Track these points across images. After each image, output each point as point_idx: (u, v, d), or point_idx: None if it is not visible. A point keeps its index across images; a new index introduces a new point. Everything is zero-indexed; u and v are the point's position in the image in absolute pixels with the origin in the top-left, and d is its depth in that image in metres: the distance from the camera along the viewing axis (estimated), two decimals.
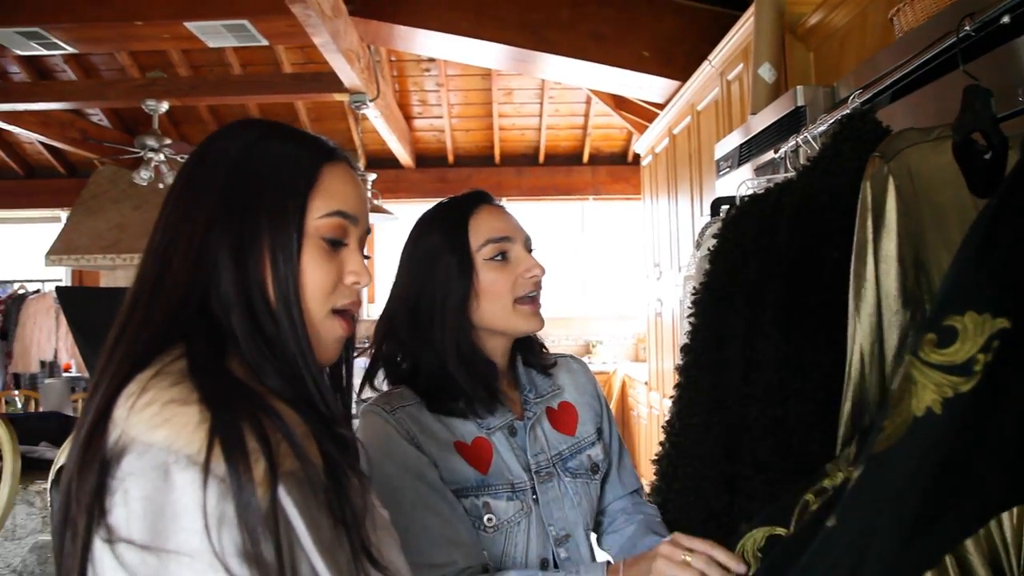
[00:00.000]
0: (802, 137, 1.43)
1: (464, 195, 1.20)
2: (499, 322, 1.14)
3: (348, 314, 0.79)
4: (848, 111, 1.22)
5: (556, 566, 1.11)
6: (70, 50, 4.33)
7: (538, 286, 1.17)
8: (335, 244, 0.77)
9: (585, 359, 6.37)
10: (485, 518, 1.07)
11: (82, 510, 0.62)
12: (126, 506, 0.60)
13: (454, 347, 1.10)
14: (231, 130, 0.79)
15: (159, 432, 0.61)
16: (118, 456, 0.62)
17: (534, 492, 1.12)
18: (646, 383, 4.78)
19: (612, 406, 5.47)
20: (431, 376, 1.12)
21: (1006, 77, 0.99)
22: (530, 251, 1.18)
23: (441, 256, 1.12)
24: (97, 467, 0.62)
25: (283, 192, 0.74)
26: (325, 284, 0.75)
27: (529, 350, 1.25)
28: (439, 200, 1.22)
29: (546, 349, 1.28)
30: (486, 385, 1.11)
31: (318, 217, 0.75)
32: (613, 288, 6.62)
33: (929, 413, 0.65)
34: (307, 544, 0.63)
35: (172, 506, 0.59)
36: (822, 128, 1.33)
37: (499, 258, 1.14)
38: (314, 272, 0.74)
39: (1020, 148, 0.69)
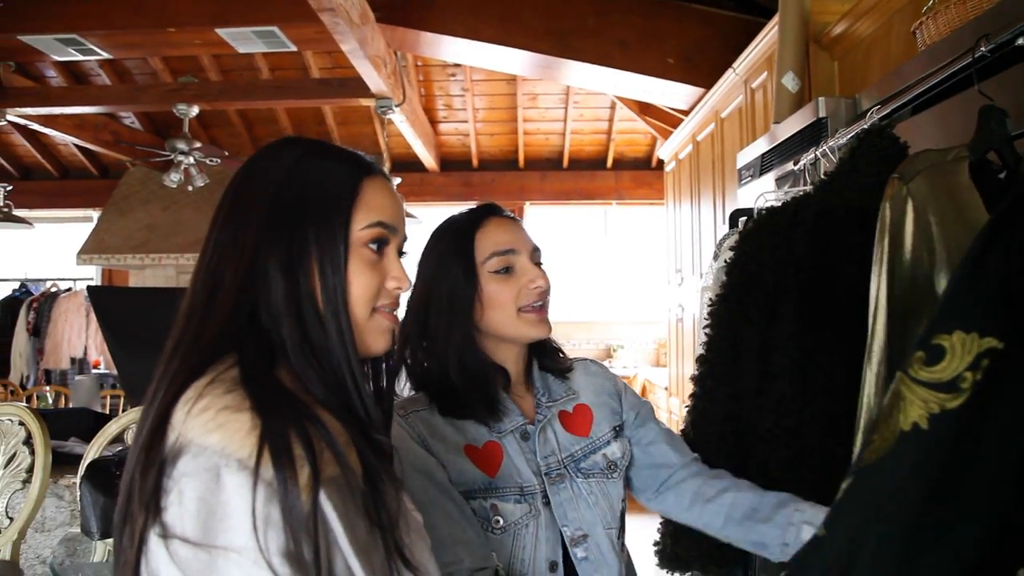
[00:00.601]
0: (820, 150, 1.44)
1: (474, 208, 1.24)
2: (506, 330, 1.18)
3: (388, 309, 0.84)
4: (866, 126, 1.23)
5: (568, 568, 1.13)
6: (105, 55, 4.43)
7: (542, 296, 1.20)
8: (378, 252, 0.83)
9: (606, 363, 6.36)
10: (493, 520, 1.10)
11: (141, 507, 0.67)
12: (180, 505, 0.65)
13: (456, 357, 1.15)
14: (273, 150, 0.84)
15: (213, 436, 0.66)
16: (175, 457, 0.67)
17: (544, 496, 1.14)
18: (666, 388, 4.78)
19: None
20: (438, 382, 1.16)
21: (1022, 96, 1.00)
22: (538, 262, 1.21)
23: (448, 268, 1.16)
24: (156, 467, 0.67)
25: (328, 207, 0.79)
26: (370, 290, 0.81)
27: (545, 354, 1.27)
28: (461, 206, 1.26)
29: (563, 353, 1.30)
30: (485, 396, 1.15)
31: (361, 228, 0.81)
32: (635, 293, 6.62)
33: (916, 428, 0.66)
34: (344, 545, 0.67)
35: (223, 507, 0.64)
36: (840, 142, 1.34)
37: (503, 271, 1.18)
38: (359, 280, 0.80)
39: (1021, 172, 0.70)
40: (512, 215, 1.25)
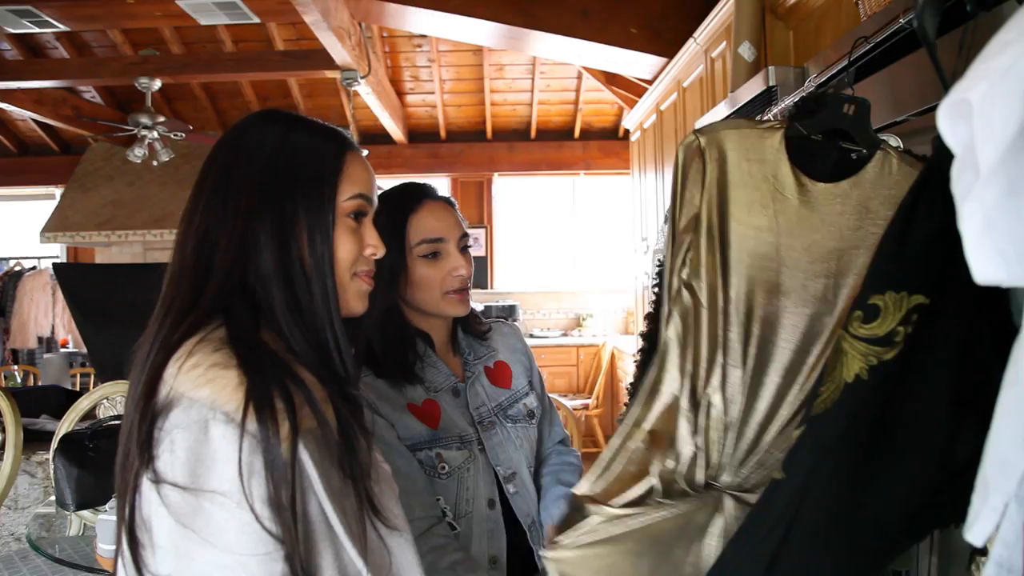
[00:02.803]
0: (766, 117, 1.50)
1: (410, 188, 1.32)
2: (429, 308, 1.30)
3: (365, 274, 0.92)
4: (804, 94, 1.29)
5: (504, 503, 1.28)
6: (62, 28, 4.35)
7: (464, 282, 1.31)
8: (357, 221, 0.90)
9: (575, 332, 6.47)
10: (439, 467, 1.23)
11: (135, 456, 0.74)
12: (172, 454, 0.72)
13: (378, 325, 1.25)
14: (257, 123, 0.89)
15: (203, 390, 0.72)
16: (166, 409, 0.74)
17: (479, 442, 1.29)
18: (634, 356, 4.87)
19: (601, 378, 5.58)
20: (364, 349, 1.25)
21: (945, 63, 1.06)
22: (465, 247, 1.32)
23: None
24: (149, 419, 0.74)
25: (318, 180, 0.86)
26: (351, 255, 0.88)
27: (465, 321, 1.41)
28: (429, 178, 1.33)
29: (480, 318, 1.43)
30: (401, 361, 1.26)
31: (345, 200, 0.88)
32: (604, 262, 6.70)
33: (857, 379, 0.74)
34: (319, 491, 0.75)
35: (211, 455, 0.71)
36: (782, 108, 1.40)
37: (431, 256, 1.28)
38: (343, 246, 0.87)
39: (933, 144, 0.77)
40: (447, 198, 1.34)
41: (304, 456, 0.74)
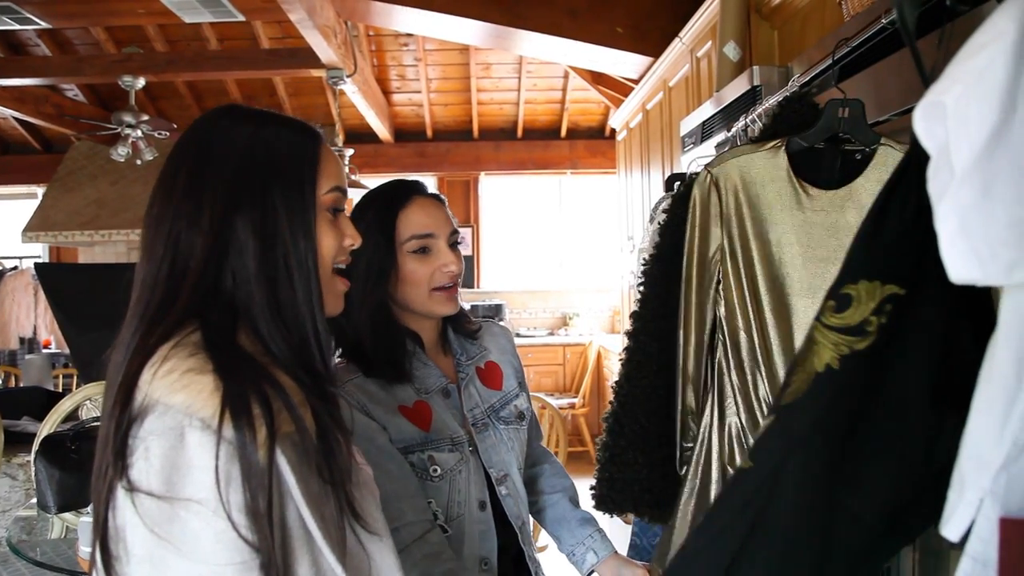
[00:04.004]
0: (750, 117, 1.51)
1: (399, 185, 1.32)
2: (417, 306, 1.29)
3: (343, 273, 0.92)
4: (788, 93, 1.30)
5: (496, 505, 1.27)
6: (44, 25, 4.30)
7: (454, 279, 1.29)
8: (335, 214, 0.89)
9: (562, 331, 6.47)
10: (431, 469, 1.22)
11: (111, 462, 0.72)
12: (147, 461, 0.70)
13: (368, 323, 1.24)
14: (224, 121, 0.86)
15: (178, 396, 0.71)
16: (141, 416, 0.72)
17: (471, 444, 1.28)
18: (620, 355, 4.89)
19: (588, 377, 5.59)
20: (350, 344, 1.25)
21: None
22: (455, 243, 1.31)
23: (370, 240, 1.23)
24: (124, 426, 0.72)
25: (298, 174, 0.85)
26: (333, 249, 0.87)
27: (456, 320, 1.39)
28: (416, 177, 1.34)
29: (470, 318, 1.42)
30: (391, 360, 1.25)
31: (324, 193, 0.87)
32: (590, 261, 6.71)
33: (828, 369, 0.73)
34: (297, 496, 0.73)
35: (187, 463, 0.69)
36: (766, 108, 1.41)
37: (421, 251, 1.27)
38: (325, 240, 0.86)
39: (910, 139, 0.77)
40: (436, 194, 1.33)
41: (282, 461, 0.72)
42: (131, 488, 0.70)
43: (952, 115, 0.46)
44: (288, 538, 0.73)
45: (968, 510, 0.54)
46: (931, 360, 0.74)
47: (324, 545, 0.74)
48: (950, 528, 0.56)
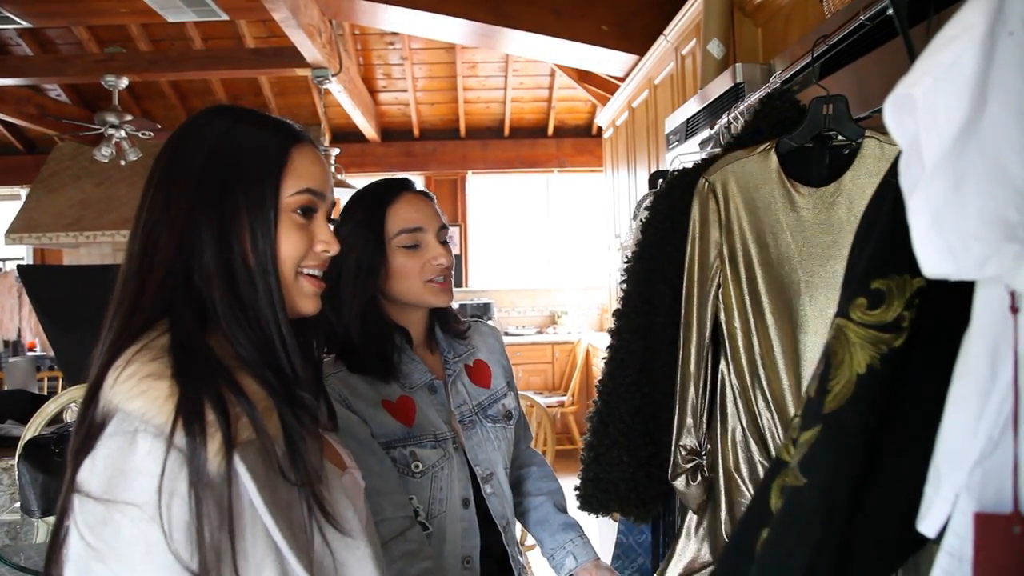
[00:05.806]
0: (732, 115, 1.51)
1: (388, 182, 1.32)
2: (411, 297, 1.29)
3: (315, 274, 0.89)
4: (769, 91, 1.30)
5: (480, 503, 1.27)
6: (25, 24, 4.26)
7: (444, 272, 1.29)
8: (306, 217, 0.86)
9: (550, 329, 6.47)
10: (412, 465, 1.22)
11: (70, 462, 0.72)
12: (92, 462, 0.69)
13: (358, 318, 1.24)
14: (204, 118, 0.86)
15: (136, 402, 0.70)
16: (103, 421, 0.71)
17: (454, 441, 1.27)
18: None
19: (577, 375, 5.59)
20: (340, 340, 1.25)
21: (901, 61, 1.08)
22: (444, 240, 1.31)
23: (359, 237, 1.25)
24: (85, 430, 0.71)
25: (259, 174, 0.83)
26: (297, 252, 0.84)
27: (444, 319, 1.39)
28: (403, 176, 1.34)
29: (459, 318, 1.42)
30: (380, 356, 1.25)
31: (290, 195, 0.84)
32: (578, 259, 6.71)
33: (871, 369, 0.69)
34: (259, 505, 0.72)
35: (132, 467, 0.68)
36: (748, 105, 1.41)
37: (411, 246, 1.27)
38: (288, 243, 0.83)
39: None
40: (424, 191, 1.34)
41: (242, 470, 0.71)
42: (76, 489, 0.69)
43: (922, 108, 0.46)
44: (248, 548, 0.71)
45: (944, 505, 0.54)
46: (955, 353, 0.70)
47: (290, 553, 0.73)
48: (927, 524, 0.56)
